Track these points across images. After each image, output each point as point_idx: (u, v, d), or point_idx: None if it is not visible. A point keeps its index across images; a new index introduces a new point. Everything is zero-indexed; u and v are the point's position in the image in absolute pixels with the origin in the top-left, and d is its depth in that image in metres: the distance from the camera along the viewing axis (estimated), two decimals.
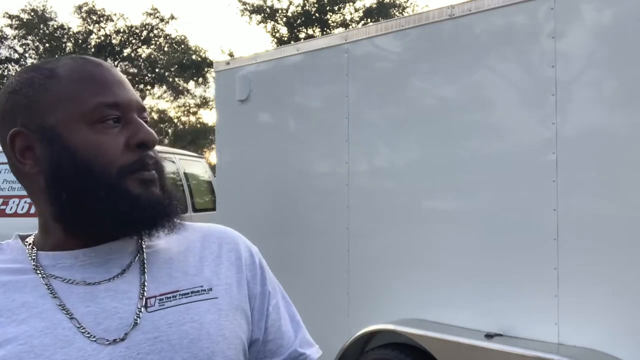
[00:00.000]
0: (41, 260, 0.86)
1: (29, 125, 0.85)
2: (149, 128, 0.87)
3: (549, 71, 2.81)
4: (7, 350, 0.77)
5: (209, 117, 31.59)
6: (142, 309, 0.84)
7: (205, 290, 0.89)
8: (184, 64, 24.76)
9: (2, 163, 5.73)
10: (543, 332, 2.79)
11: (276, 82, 4.14)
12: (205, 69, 24.95)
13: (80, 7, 25.28)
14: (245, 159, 4.33)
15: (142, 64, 25.57)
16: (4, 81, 25.10)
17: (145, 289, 0.86)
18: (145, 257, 0.90)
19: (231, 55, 22.90)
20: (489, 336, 2.87)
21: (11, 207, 5.46)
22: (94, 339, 0.80)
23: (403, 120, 3.41)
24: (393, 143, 3.49)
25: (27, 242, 0.90)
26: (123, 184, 0.84)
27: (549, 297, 2.77)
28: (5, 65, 24.96)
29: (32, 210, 5.41)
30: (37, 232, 0.92)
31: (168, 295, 0.86)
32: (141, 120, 0.88)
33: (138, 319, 0.83)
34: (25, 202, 5.44)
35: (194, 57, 25.31)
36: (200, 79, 25.48)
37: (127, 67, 26.14)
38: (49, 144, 0.84)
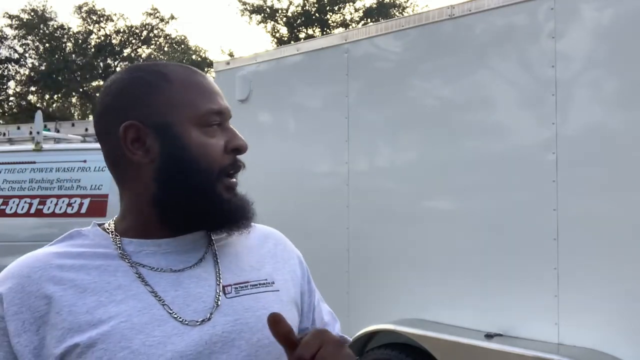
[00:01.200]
0: (125, 247, 0.95)
1: (143, 120, 0.94)
2: (241, 135, 1.00)
3: (549, 71, 2.81)
4: (111, 326, 0.87)
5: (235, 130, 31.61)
6: (222, 295, 0.95)
7: (269, 283, 1.01)
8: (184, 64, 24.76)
9: (2, 163, 5.71)
10: (543, 332, 2.79)
11: (276, 82, 4.14)
12: (205, 69, 24.94)
13: (80, 7, 25.30)
14: (245, 159, 4.33)
15: None
16: (4, 81, 25.14)
17: (221, 277, 0.97)
18: (215, 249, 1.01)
19: (231, 55, 22.90)
20: (489, 336, 2.87)
21: (11, 207, 5.45)
22: (184, 320, 0.90)
23: (403, 120, 3.41)
24: (393, 143, 3.49)
25: (107, 229, 0.99)
26: (218, 186, 0.96)
27: (549, 297, 2.77)
28: (5, 65, 24.97)
29: (32, 210, 5.40)
30: (115, 219, 1.01)
31: (242, 285, 0.98)
32: (234, 128, 1.01)
33: (219, 303, 0.94)
34: (25, 202, 5.44)
35: (194, 57, 25.32)
36: None
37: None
38: (163, 139, 0.94)
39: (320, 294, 1.20)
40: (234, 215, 0.98)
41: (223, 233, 1.00)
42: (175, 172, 0.94)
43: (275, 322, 0.85)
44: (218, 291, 0.95)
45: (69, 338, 0.86)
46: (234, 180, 1.00)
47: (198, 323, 0.91)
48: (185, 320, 0.91)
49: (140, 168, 0.95)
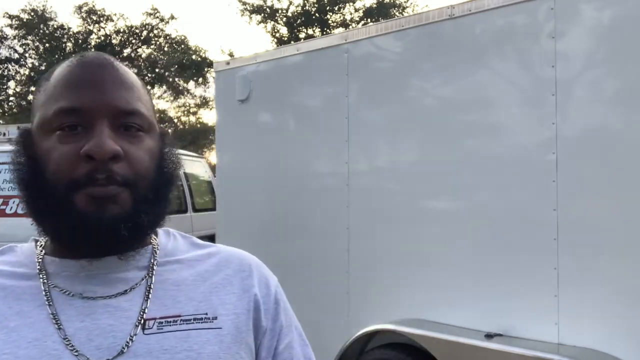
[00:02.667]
0: (47, 266, 0.83)
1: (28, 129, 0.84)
2: (105, 137, 0.78)
3: (549, 71, 2.81)
4: None
5: (209, 117, 31.62)
6: (139, 331, 0.79)
7: (209, 318, 0.84)
8: (184, 64, 24.76)
9: (2, 163, 5.72)
10: (543, 332, 2.79)
11: (276, 82, 4.14)
12: (205, 69, 24.95)
13: (80, 7, 25.29)
14: (245, 158, 4.33)
15: (142, 64, 25.57)
16: (4, 81, 25.15)
17: (146, 309, 0.81)
18: (154, 275, 0.85)
19: (231, 55, 22.90)
20: (489, 336, 2.87)
21: (11, 207, 5.46)
22: (81, 357, 0.76)
23: (403, 120, 3.41)
24: (393, 143, 3.49)
25: (40, 244, 0.87)
26: (72, 199, 0.77)
27: (549, 297, 2.77)
28: (5, 65, 24.96)
29: None
30: None
31: (169, 319, 0.81)
32: (103, 128, 0.78)
33: (131, 341, 0.78)
34: None
35: (194, 57, 25.31)
36: (200, 79, 25.48)
37: (127, 67, 26.08)
38: (27, 150, 0.82)
39: (302, 338, 0.95)
40: (92, 233, 0.77)
41: (166, 254, 0.87)
42: (23, 190, 0.81)
43: None
44: (136, 326, 0.79)
45: None
46: (100, 189, 0.77)
47: None
48: (83, 358, 0.76)
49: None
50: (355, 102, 3.65)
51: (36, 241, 0.89)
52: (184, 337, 0.80)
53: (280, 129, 4.14)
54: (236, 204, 4.36)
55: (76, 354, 0.76)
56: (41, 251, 0.85)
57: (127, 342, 0.78)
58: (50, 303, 0.79)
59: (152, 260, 0.86)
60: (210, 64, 23.98)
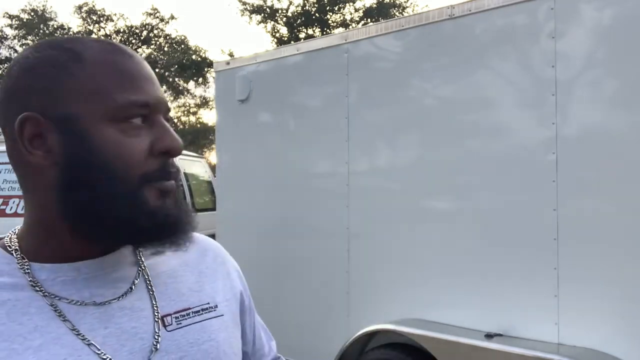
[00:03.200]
0: (36, 274, 0.75)
1: (45, 111, 0.74)
2: (175, 134, 0.79)
3: (549, 71, 2.81)
4: None
5: (209, 117, 31.64)
6: (161, 328, 0.79)
7: (212, 307, 0.86)
8: (184, 64, 24.78)
9: (2, 163, 5.71)
10: (543, 332, 2.79)
11: (276, 82, 4.14)
12: (205, 69, 24.96)
13: (80, 7, 25.30)
14: (245, 159, 4.33)
15: None
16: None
17: (158, 306, 0.81)
18: (146, 269, 0.84)
19: (231, 55, 22.91)
20: (489, 336, 2.87)
21: (11, 207, 5.46)
22: None
23: (403, 120, 3.41)
24: (393, 143, 3.49)
25: (9, 247, 0.78)
26: (143, 193, 0.75)
27: (549, 297, 2.77)
28: (6, 65, 24.96)
29: None
30: (18, 234, 0.81)
31: (182, 313, 0.83)
32: (167, 124, 0.79)
33: (159, 339, 0.78)
34: None
35: (194, 57, 25.32)
36: (200, 79, 25.50)
37: None
38: (68, 137, 0.74)
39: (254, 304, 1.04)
40: (166, 227, 0.77)
41: (151, 249, 0.80)
42: (83, 180, 0.74)
43: None
44: (156, 324, 0.79)
45: None
46: (168, 183, 0.78)
47: None
48: None
49: (42, 172, 0.75)
50: (355, 102, 3.65)
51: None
52: (201, 328, 0.83)
53: (280, 129, 4.14)
54: (236, 204, 4.36)
55: None
56: (22, 257, 0.77)
57: (155, 341, 0.77)
58: (62, 315, 0.74)
59: (137, 254, 0.84)
60: (210, 64, 23.99)
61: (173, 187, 0.78)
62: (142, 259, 0.85)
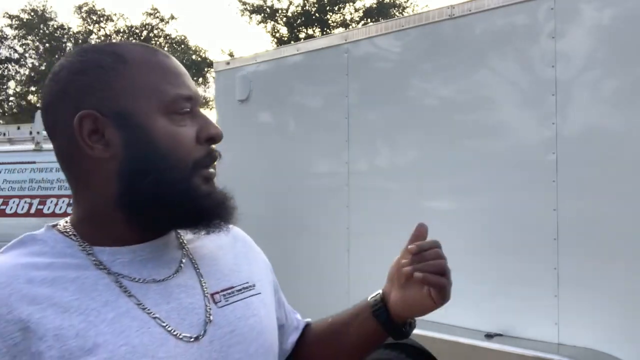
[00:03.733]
0: (98, 255, 0.82)
1: (101, 109, 0.81)
2: (214, 122, 0.88)
3: (549, 71, 2.81)
4: (110, 351, 0.75)
5: (209, 117, 31.64)
6: (212, 305, 0.86)
7: (252, 286, 0.94)
8: (184, 64, 24.73)
9: (2, 163, 5.71)
10: (543, 332, 2.79)
11: (276, 82, 4.14)
12: (205, 69, 24.97)
13: (80, 7, 25.31)
14: (245, 159, 4.33)
15: None
16: (4, 81, 25.14)
17: (206, 284, 0.88)
18: (190, 252, 0.91)
19: (231, 55, 22.91)
20: (489, 336, 2.87)
21: (11, 207, 5.46)
22: (181, 337, 0.81)
23: (403, 120, 3.41)
24: (393, 143, 3.49)
25: (67, 233, 0.85)
26: (194, 179, 0.84)
27: (549, 297, 2.77)
28: (5, 65, 24.97)
29: (32, 210, 5.41)
30: (72, 222, 0.87)
31: (228, 292, 0.89)
32: (205, 115, 0.88)
33: (211, 314, 0.85)
34: (25, 202, 5.44)
35: (194, 57, 25.33)
36: (200, 79, 25.50)
37: None
38: (125, 130, 0.81)
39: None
40: (215, 210, 0.86)
41: (203, 231, 0.87)
42: (143, 168, 0.81)
43: (420, 235, 1.01)
44: (207, 300, 0.86)
45: None
46: (212, 170, 0.87)
47: (196, 338, 0.82)
48: (185, 337, 0.81)
49: (101, 164, 0.82)
50: (355, 102, 3.65)
51: (54, 227, 0.87)
52: (245, 305, 0.90)
53: (281, 129, 4.14)
54: (236, 203, 4.36)
55: (175, 333, 0.80)
56: (81, 241, 0.84)
57: (207, 316, 0.84)
58: (126, 290, 0.81)
59: (179, 238, 0.92)
60: (210, 64, 23.99)
61: (214, 174, 0.87)
62: (184, 242, 0.92)
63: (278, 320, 1.01)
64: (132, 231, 0.84)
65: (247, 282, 0.93)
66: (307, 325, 1.16)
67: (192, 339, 0.81)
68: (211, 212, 0.85)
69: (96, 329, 0.75)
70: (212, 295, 0.87)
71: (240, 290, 0.91)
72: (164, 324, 0.80)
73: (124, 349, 0.75)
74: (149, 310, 0.80)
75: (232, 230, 0.99)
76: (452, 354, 2.95)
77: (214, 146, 0.88)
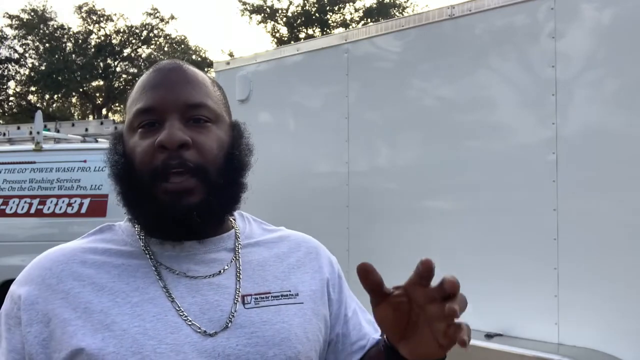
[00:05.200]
0: (151, 246, 0.94)
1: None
2: (175, 129, 0.88)
3: (549, 71, 2.81)
4: (123, 329, 0.85)
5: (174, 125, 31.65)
6: (240, 305, 0.92)
7: (293, 295, 0.97)
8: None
9: (2, 163, 5.69)
10: (543, 332, 2.79)
11: (276, 82, 4.14)
12: (205, 69, 24.94)
13: (80, 7, 25.29)
14: None
15: (142, 64, 25.57)
16: (4, 81, 25.14)
17: (241, 286, 0.93)
18: (240, 256, 0.97)
19: (231, 55, 22.91)
20: (489, 336, 2.87)
21: (11, 207, 5.45)
22: (198, 329, 0.87)
23: (403, 120, 3.41)
24: (393, 143, 3.49)
25: (135, 224, 0.96)
26: (154, 189, 0.89)
27: (549, 297, 2.77)
28: (5, 65, 24.96)
29: (32, 210, 5.40)
30: None
31: (262, 296, 0.94)
32: (173, 122, 0.89)
33: (235, 314, 0.90)
34: (25, 202, 5.44)
35: (194, 57, 25.32)
36: None
37: (127, 67, 26.13)
38: (123, 145, 0.94)
39: (360, 305, 1.13)
40: (171, 221, 0.89)
41: (246, 237, 0.99)
42: (123, 177, 0.92)
43: (367, 272, 0.77)
44: (236, 301, 0.92)
45: (81, 336, 0.84)
46: (169, 185, 0.88)
47: (213, 333, 0.88)
48: (200, 330, 0.88)
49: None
50: (355, 102, 3.65)
51: (131, 220, 0.97)
52: (277, 311, 0.94)
53: (281, 129, 4.14)
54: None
55: (191, 324, 0.87)
56: (141, 231, 0.95)
57: (231, 315, 0.90)
58: (162, 281, 0.90)
59: (236, 243, 0.99)
60: (210, 64, 23.97)
61: (180, 187, 0.88)
62: (241, 247, 0.99)
63: (332, 332, 1.03)
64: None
65: (289, 291, 0.97)
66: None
67: (207, 333, 0.87)
68: (163, 222, 0.89)
69: (119, 309, 0.86)
70: (243, 296, 0.93)
71: (277, 296, 0.95)
72: (184, 315, 0.87)
73: (135, 330, 0.85)
74: (173, 299, 0.88)
75: (297, 239, 1.09)
76: (452, 354, 2.94)
77: (185, 153, 0.89)
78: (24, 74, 25.32)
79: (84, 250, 0.93)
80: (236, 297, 0.92)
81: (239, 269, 0.95)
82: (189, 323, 0.87)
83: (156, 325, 0.86)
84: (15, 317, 0.88)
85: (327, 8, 23.79)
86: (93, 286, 0.88)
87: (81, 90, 25.23)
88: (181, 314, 0.88)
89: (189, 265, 0.93)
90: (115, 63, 26.00)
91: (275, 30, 24.34)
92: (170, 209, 0.88)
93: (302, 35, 23.50)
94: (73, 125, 8.22)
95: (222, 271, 0.94)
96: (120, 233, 0.97)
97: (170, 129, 0.88)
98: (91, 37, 25.78)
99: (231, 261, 0.96)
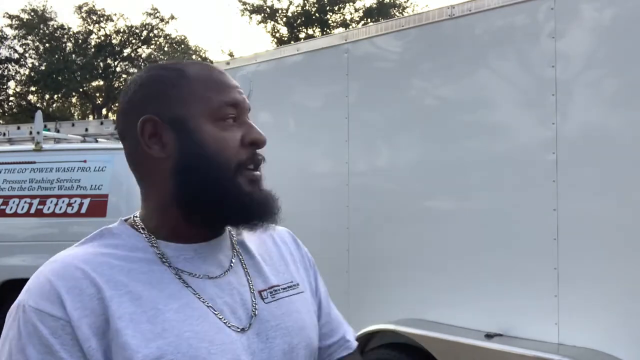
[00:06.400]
0: (164, 251, 0.94)
1: (160, 114, 0.94)
2: (259, 129, 0.98)
3: (549, 71, 2.81)
4: (176, 335, 0.86)
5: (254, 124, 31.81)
6: (259, 300, 0.97)
7: (295, 285, 1.05)
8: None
9: (2, 163, 5.70)
10: (543, 332, 2.79)
11: (276, 82, 4.14)
12: None
13: (80, 7, 25.29)
14: None
15: (142, 64, 25.57)
16: (4, 81, 25.14)
17: (253, 282, 0.99)
18: (240, 253, 1.02)
19: (231, 55, 22.91)
20: (489, 336, 2.87)
21: (11, 207, 5.45)
22: (236, 328, 0.92)
23: (403, 120, 3.41)
24: (393, 143, 3.49)
25: (137, 227, 0.96)
26: (237, 179, 0.94)
27: (549, 297, 2.77)
28: (5, 65, 24.96)
29: (32, 210, 5.40)
30: (141, 216, 0.98)
31: (275, 289, 1.01)
32: (252, 122, 0.98)
33: (257, 309, 0.96)
34: (25, 202, 5.44)
35: (194, 57, 25.32)
36: None
37: (127, 67, 26.13)
38: (179, 134, 0.93)
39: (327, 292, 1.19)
40: (257, 209, 0.95)
41: (245, 229, 0.98)
42: (192, 168, 0.92)
43: None
44: (254, 297, 0.97)
45: (135, 347, 0.83)
46: (257, 173, 0.98)
47: (242, 330, 0.93)
48: (238, 328, 0.92)
49: (159, 164, 0.94)
50: (355, 102, 3.65)
51: (126, 221, 0.99)
52: (290, 302, 1.01)
53: (280, 128, 4.14)
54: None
55: (229, 324, 0.92)
56: (149, 235, 0.95)
57: (254, 310, 0.95)
58: (187, 284, 0.92)
59: (231, 240, 1.03)
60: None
61: (260, 177, 0.98)
62: (235, 243, 1.03)
63: (319, 320, 1.09)
64: (191, 229, 0.95)
65: (291, 282, 1.04)
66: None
67: (239, 330, 0.92)
68: (252, 211, 0.94)
69: (164, 316, 0.87)
70: (259, 292, 0.98)
71: (285, 288, 1.02)
72: (219, 315, 0.91)
73: (188, 334, 0.87)
74: (207, 302, 0.91)
75: (280, 233, 1.15)
76: (452, 354, 2.94)
77: (259, 151, 0.98)
78: (24, 74, 25.32)
79: (104, 255, 0.91)
80: (253, 293, 0.97)
81: (244, 266, 1.00)
82: (228, 324, 0.91)
83: (204, 328, 0.89)
84: (66, 334, 0.82)
85: (327, 8, 23.79)
86: (130, 295, 0.87)
87: (81, 90, 25.22)
88: (220, 316, 0.91)
89: (205, 266, 0.95)
90: (115, 63, 26.01)
91: (275, 30, 24.35)
92: (257, 195, 0.95)
93: (302, 35, 23.50)
94: (73, 125, 8.21)
95: (231, 269, 0.98)
96: (126, 237, 0.95)
97: (257, 128, 0.98)
98: (91, 37, 25.78)
99: (234, 258, 1.00)
